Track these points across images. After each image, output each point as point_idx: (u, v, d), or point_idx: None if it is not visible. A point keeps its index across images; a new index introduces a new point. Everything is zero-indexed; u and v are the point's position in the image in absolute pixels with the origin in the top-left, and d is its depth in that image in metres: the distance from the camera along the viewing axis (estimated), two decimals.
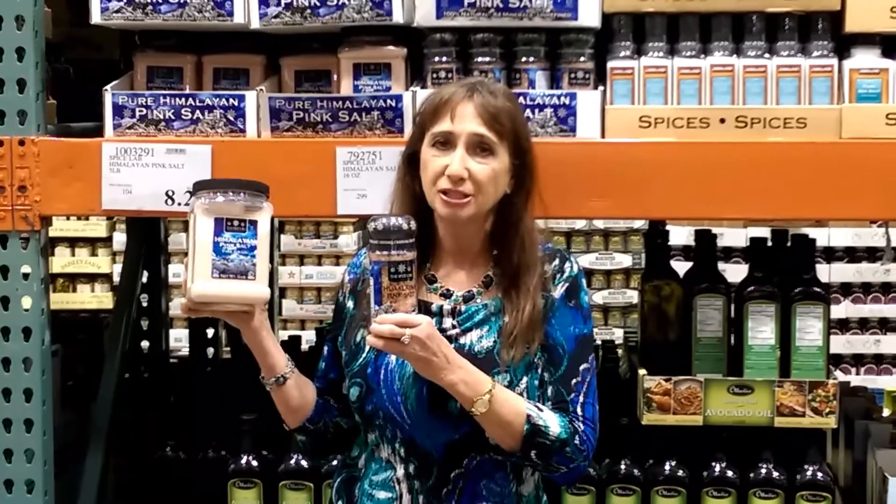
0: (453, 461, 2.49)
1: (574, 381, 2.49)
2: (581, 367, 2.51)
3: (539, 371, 2.50)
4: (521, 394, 2.47)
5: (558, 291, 2.52)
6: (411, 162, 2.53)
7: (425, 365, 2.37)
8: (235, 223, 2.45)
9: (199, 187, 2.48)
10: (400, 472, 2.51)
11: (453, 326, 2.51)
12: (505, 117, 2.46)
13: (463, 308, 2.52)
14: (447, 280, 2.55)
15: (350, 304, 2.61)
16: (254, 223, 2.46)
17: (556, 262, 2.54)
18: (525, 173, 2.50)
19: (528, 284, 2.48)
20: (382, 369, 2.51)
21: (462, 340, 2.49)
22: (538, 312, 2.48)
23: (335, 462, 3.19)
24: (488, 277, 2.54)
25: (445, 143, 2.45)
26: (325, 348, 2.69)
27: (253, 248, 2.45)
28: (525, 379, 2.48)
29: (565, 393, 2.49)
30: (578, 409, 2.48)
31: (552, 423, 2.44)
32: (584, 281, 2.57)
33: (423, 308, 2.49)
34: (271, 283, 2.69)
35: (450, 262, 2.56)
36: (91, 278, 8.45)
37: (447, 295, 2.54)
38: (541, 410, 2.45)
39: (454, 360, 2.39)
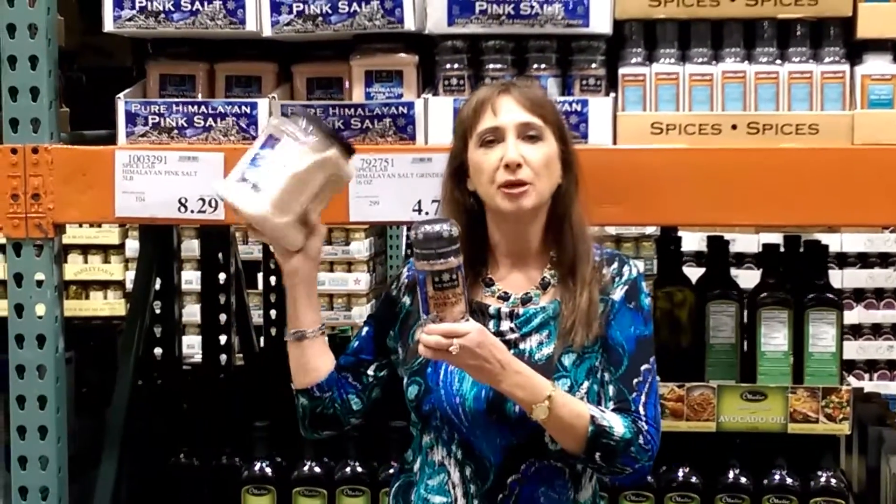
0: (511, 466, 2.46)
1: (636, 380, 2.47)
2: (642, 368, 2.48)
3: (599, 374, 2.48)
4: (581, 399, 2.44)
5: (618, 294, 2.50)
6: (458, 175, 2.52)
7: (478, 372, 2.35)
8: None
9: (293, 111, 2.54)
10: (455, 475, 2.49)
11: (511, 330, 2.49)
12: (546, 103, 2.50)
13: (521, 311, 2.50)
14: (504, 283, 2.54)
15: (406, 300, 2.58)
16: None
17: (615, 265, 2.53)
18: (572, 159, 2.51)
19: (584, 274, 2.47)
20: (442, 369, 2.48)
21: (522, 346, 2.47)
22: (595, 304, 2.47)
23: (347, 469, 3.21)
24: (545, 279, 2.53)
25: (493, 139, 2.45)
26: (366, 328, 2.65)
27: (282, 168, 2.42)
28: (586, 384, 2.46)
29: (627, 392, 2.46)
30: (641, 409, 2.45)
31: (616, 423, 2.41)
32: (644, 283, 2.55)
33: (480, 311, 2.48)
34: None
35: (506, 265, 2.54)
36: (104, 285, 8.45)
37: (505, 297, 2.52)
38: (603, 412, 2.43)
39: (510, 366, 2.36)
